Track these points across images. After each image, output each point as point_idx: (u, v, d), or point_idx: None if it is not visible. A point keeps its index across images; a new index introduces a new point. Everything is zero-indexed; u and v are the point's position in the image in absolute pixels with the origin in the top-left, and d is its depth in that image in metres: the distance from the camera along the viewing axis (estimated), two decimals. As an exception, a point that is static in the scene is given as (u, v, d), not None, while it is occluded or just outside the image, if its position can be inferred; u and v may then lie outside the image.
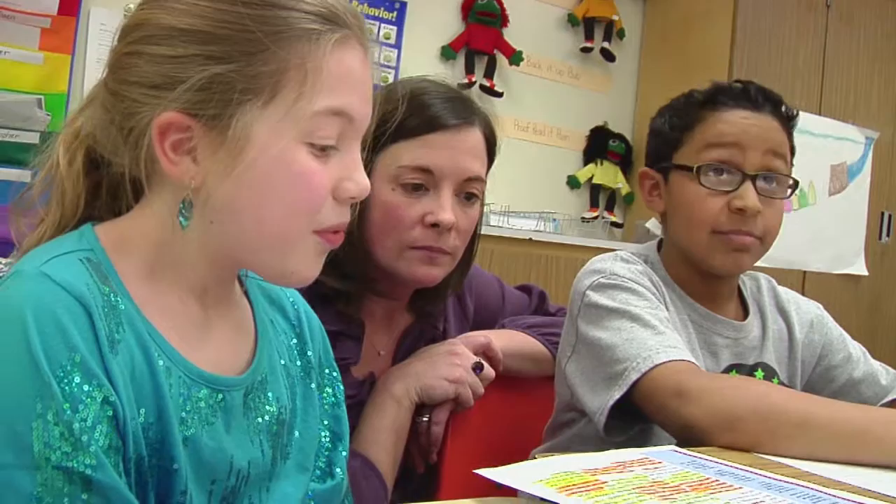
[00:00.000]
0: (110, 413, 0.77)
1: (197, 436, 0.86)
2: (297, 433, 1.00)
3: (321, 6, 0.88)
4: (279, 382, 0.99)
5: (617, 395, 1.23)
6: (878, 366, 1.56)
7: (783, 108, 1.45)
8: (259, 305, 1.02)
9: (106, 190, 0.94)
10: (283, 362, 1.01)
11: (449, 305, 1.56)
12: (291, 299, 1.09)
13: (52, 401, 0.74)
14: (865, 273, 4.53)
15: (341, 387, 1.11)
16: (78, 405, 0.75)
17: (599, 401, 1.26)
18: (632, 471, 0.86)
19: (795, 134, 1.48)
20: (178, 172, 0.86)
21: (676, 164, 1.45)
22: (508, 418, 1.59)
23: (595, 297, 1.37)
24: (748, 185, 1.39)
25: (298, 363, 1.04)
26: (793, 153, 1.47)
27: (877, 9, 4.65)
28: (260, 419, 0.94)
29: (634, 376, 1.22)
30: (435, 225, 1.35)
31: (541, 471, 0.83)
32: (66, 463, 0.73)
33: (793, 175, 1.46)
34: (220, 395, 0.89)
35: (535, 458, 0.93)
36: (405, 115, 1.36)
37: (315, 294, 1.36)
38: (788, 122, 1.46)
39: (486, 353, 1.49)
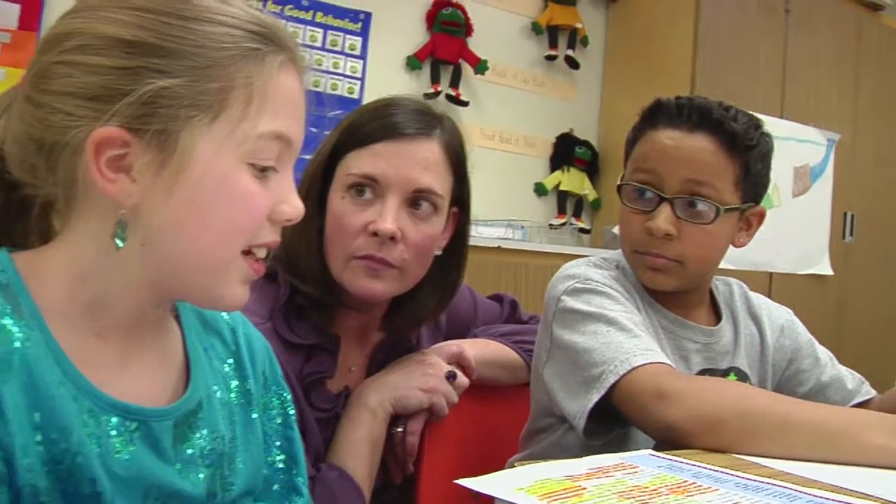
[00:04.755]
0: None
1: (106, 465, 0.82)
2: (240, 464, 0.96)
3: (263, 26, 0.87)
4: (215, 412, 0.95)
5: (595, 397, 1.23)
6: (844, 370, 1.59)
7: (728, 128, 1.37)
8: (192, 332, 0.98)
9: (36, 214, 0.89)
10: (217, 391, 0.97)
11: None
12: (228, 320, 1.04)
13: None
14: (830, 273, 4.58)
15: (292, 407, 1.07)
16: None
17: (578, 404, 1.26)
18: (611, 476, 0.87)
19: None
20: (114, 191, 0.81)
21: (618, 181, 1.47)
22: (483, 427, 1.59)
23: (570, 301, 1.37)
24: (663, 207, 1.38)
25: (237, 390, 1.00)
26: (746, 172, 1.39)
27: (834, 14, 4.72)
28: (192, 450, 0.91)
29: (612, 379, 1.22)
30: (376, 234, 1.32)
31: (521, 479, 0.83)
32: None
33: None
34: (135, 425, 0.85)
35: (513, 465, 0.93)
36: (364, 123, 1.36)
37: (291, 307, 1.36)
38: (732, 142, 1.37)
39: (458, 361, 1.49)
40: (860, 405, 1.52)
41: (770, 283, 4.30)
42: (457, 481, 0.82)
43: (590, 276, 1.41)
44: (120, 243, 0.83)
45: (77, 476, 0.79)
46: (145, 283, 0.86)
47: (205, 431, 0.93)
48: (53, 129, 0.82)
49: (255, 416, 1.01)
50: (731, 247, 1.47)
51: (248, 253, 0.88)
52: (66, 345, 0.82)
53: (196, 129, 0.82)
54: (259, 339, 1.07)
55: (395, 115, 1.37)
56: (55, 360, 0.81)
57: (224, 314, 1.04)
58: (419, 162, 1.35)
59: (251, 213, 0.86)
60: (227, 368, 1.00)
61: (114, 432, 0.84)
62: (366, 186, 1.34)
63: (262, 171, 0.86)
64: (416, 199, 1.35)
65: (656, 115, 1.43)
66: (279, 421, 1.05)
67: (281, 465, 1.05)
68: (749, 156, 1.39)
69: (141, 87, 0.80)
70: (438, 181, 1.37)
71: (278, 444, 1.05)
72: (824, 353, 1.59)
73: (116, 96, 0.80)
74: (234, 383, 1.00)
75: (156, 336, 0.93)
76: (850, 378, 1.57)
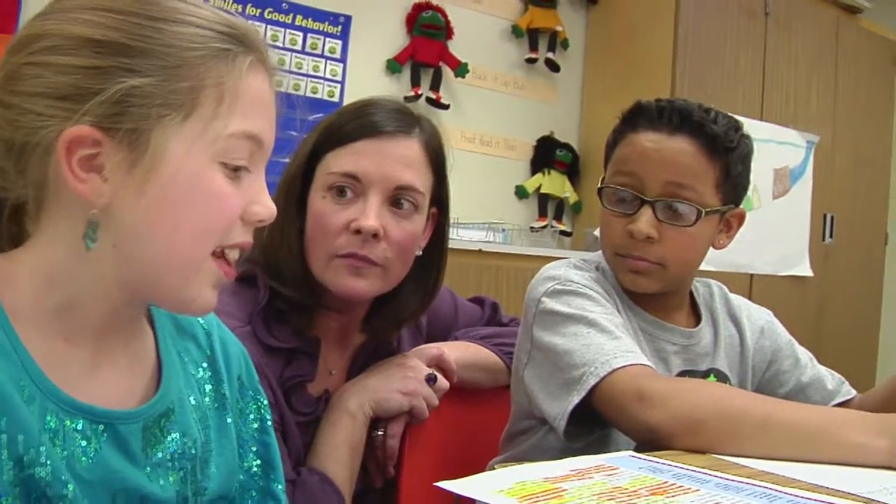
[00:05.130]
0: None
1: (72, 468, 0.81)
2: (213, 468, 0.96)
3: (233, 28, 0.87)
4: (188, 416, 0.94)
5: (576, 399, 1.23)
6: (824, 371, 1.59)
7: (708, 130, 1.36)
8: (165, 336, 0.97)
9: (7, 217, 0.88)
10: (190, 395, 0.96)
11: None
12: (204, 324, 1.03)
13: None
14: (811, 274, 4.61)
15: (268, 412, 1.06)
16: None
17: (558, 406, 1.26)
18: (591, 477, 0.87)
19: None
20: (86, 191, 0.81)
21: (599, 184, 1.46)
22: (464, 429, 1.59)
23: (550, 303, 1.37)
24: (644, 210, 1.38)
25: (211, 394, 0.99)
26: (727, 175, 1.39)
27: (813, 16, 4.75)
28: (162, 454, 0.90)
29: (593, 381, 1.22)
30: (359, 232, 1.32)
31: (501, 481, 0.83)
32: None
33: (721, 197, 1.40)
34: (101, 427, 0.85)
35: (493, 468, 0.93)
36: (344, 123, 1.36)
37: (271, 310, 1.35)
38: (712, 144, 1.37)
39: (439, 364, 1.49)
40: (840, 405, 1.53)
41: (750, 285, 4.31)
42: (437, 484, 0.82)
43: (570, 277, 1.40)
44: (90, 244, 0.82)
45: (43, 480, 0.79)
46: (116, 285, 0.86)
47: (176, 435, 0.92)
48: (23, 130, 0.81)
49: (229, 420, 1.00)
50: (711, 248, 1.47)
51: (220, 256, 0.87)
52: (32, 348, 0.81)
53: (168, 128, 0.82)
54: (234, 342, 1.06)
55: (375, 114, 1.37)
56: (21, 363, 0.80)
57: (200, 318, 1.03)
58: (400, 159, 1.35)
59: (224, 212, 0.86)
60: (201, 372, 1.00)
61: (80, 435, 0.83)
62: (347, 186, 1.34)
63: (234, 171, 0.86)
64: (397, 197, 1.35)
65: (637, 117, 1.43)
66: (256, 426, 1.05)
67: (257, 471, 1.04)
68: (729, 158, 1.39)
69: (112, 87, 0.79)
70: (419, 178, 1.37)
71: (255, 449, 1.04)
72: (804, 354, 1.59)
73: (87, 95, 0.79)
74: (209, 387, 1.00)
75: (127, 339, 0.92)
76: (830, 378, 1.57)
